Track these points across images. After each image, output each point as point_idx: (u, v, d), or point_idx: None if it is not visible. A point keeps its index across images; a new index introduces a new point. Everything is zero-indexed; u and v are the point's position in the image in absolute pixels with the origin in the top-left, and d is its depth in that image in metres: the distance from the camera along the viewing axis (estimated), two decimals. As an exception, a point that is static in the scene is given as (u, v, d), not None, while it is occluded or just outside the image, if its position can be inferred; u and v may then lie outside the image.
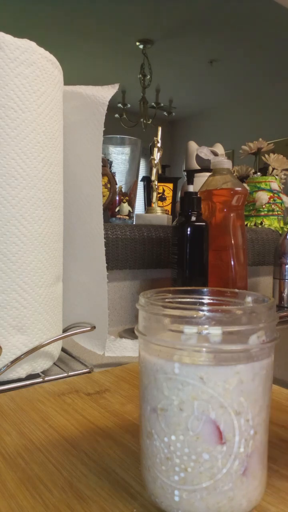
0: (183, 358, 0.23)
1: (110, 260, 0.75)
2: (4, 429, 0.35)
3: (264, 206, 1.12)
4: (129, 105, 4.06)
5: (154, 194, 0.96)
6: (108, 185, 0.88)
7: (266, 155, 1.19)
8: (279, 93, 4.55)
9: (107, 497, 0.27)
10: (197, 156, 1.11)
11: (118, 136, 0.97)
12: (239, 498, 0.24)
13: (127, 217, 0.92)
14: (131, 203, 0.94)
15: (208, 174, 0.99)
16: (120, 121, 4.01)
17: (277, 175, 1.17)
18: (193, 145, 1.18)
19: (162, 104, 3.97)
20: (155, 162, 0.94)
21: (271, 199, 1.12)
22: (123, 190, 0.95)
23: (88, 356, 0.57)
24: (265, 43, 3.74)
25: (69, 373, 0.50)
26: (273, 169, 1.17)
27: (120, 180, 0.95)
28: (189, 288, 0.29)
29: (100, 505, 0.26)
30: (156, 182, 0.95)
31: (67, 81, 0.54)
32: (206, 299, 0.29)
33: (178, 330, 0.23)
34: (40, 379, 0.48)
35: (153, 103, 3.89)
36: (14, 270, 0.45)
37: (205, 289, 0.29)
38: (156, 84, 3.81)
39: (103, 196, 0.86)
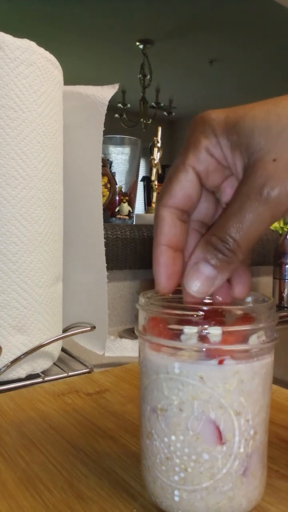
0: (183, 358, 0.23)
1: (110, 260, 0.75)
2: (4, 429, 0.35)
3: (264, 206, 1.12)
4: (129, 105, 4.06)
5: (154, 194, 0.96)
6: (108, 185, 0.88)
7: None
8: (280, 93, 4.54)
9: (107, 497, 0.27)
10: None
11: (118, 136, 0.97)
12: (239, 498, 0.24)
13: (127, 217, 0.92)
14: (131, 203, 0.94)
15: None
16: (120, 121, 4.01)
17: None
18: (193, 145, 1.18)
19: (162, 104, 3.97)
20: (155, 162, 0.94)
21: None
22: (123, 190, 0.95)
23: (88, 356, 0.57)
24: (265, 43, 3.73)
25: (69, 373, 0.50)
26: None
27: (120, 180, 0.95)
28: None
29: (100, 505, 0.26)
30: (156, 182, 0.95)
31: (67, 81, 0.54)
32: (206, 299, 0.29)
33: (178, 330, 0.23)
34: (40, 379, 0.48)
35: (153, 103, 3.89)
36: (14, 270, 0.45)
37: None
38: (156, 84, 3.81)
39: (103, 196, 0.86)
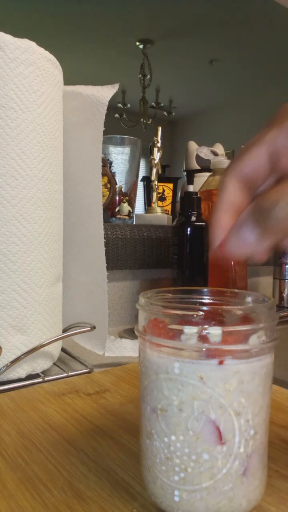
0: (183, 358, 0.23)
1: (110, 260, 0.75)
2: (4, 429, 0.35)
3: (264, 206, 1.12)
4: (129, 105, 4.06)
5: (154, 194, 0.96)
6: (108, 185, 0.88)
7: (266, 155, 1.18)
8: (279, 93, 4.55)
9: (107, 497, 0.27)
10: (197, 156, 1.11)
11: (118, 136, 0.97)
12: (239, 498, 0.24)
13: (127, 217, 0.92)
14: (131, 203, 0.94)
15: (208, 174, 0.99)
16: (120, 121, 4.00)
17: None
18: (193, 145, 1.18)
19: (162, 104, 3.97)
20: (155, 162, 0.94)
21: (271, 199, 1.12)
22: (123, 190, 0.95)
23: (88, 356, 0.57)
24: (265, 43, 3.73)
25: (69, 373, 0.50)
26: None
27: (120, 180, 0.95)
28: (189, 288, 0.29)
29: (100, 505, 0.26)
30: (156, 182, 0.95)
31: (67, 81, 0.54)
32: (206, 299, 0.29)
33: (178, 330, 0.23)
34: (40, 379, 0.48)
35: (153, 103, 3.88)
36: (14, 270, 0.45)
37: (205, 289, 0.29)
38: (156, 84, 3.81)
39: (103, 196, 0.86)
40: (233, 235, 0.25)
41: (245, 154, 0.26)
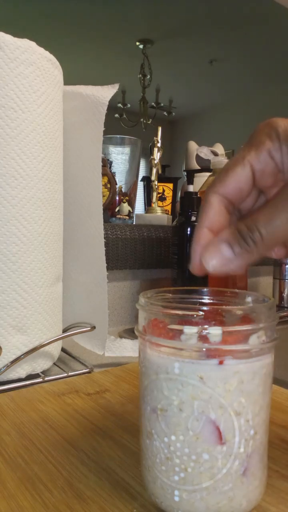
0: (183, 358, 0.23)
1: (110, 260, 0.75)
2: (4, 429, 0.35)
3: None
4: (129, 105, 4.06)
5: (154, 194, 0.96)
6: (108, 185, 0.88)
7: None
8: (279, 93, 4.55)
9: (107, 497, 0.27)
10: (197, 156, 1.11)
11: (118, 136, 0.97)
12: (239, 498, 0.24)
13: (127, 217, 0.92)
14: (131, 203, 0.94)
15: (208, 174, 0.99)
16: (120, 121, 4.01)
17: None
18: (193, 145, 1.18)
19: (162, 104, 3.97)
20: (155, 162, 0.94)
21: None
22: (123, 190, 0.95)
23: (88, 356, 0.57)
24: (265, 43, 3.73)
25: (69, 373, 0.50)
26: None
27: (120, 180, 0.95)
28: (189, 288, 0.29)
29: (100, 505, 0.26)
30: (156, 182, 0.95)
31: (67, 81, 0.54)
32: (206, 299, 0.29)
33: (178, 330, 0.23)
34: (40, 379, 0.48)
35: (153, 103, 3.88)
36: (14, 270, 0.45)
37: (205, 289, 0.29)
38: (156, 84, 3.81)
39: (103, 196, 0.86)
40: (212, 249, 0.25)
41: (229, 173, 0.27)
